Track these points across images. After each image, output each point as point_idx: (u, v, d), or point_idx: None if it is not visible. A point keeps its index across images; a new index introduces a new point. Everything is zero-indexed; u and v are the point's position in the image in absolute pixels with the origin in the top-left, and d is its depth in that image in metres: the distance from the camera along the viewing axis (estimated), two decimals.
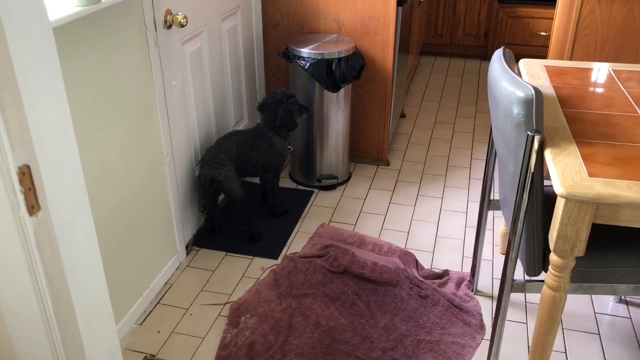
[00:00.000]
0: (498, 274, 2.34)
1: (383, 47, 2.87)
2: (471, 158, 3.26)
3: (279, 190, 2.73)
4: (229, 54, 2.65)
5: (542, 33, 4.47)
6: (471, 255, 2.45)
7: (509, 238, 1.63)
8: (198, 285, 2.27)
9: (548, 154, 1.48)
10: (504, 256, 2.45)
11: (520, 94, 1.45)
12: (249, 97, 2.96)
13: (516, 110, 1.48)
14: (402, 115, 3.77)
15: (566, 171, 1.39)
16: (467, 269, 2.37)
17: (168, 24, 2.07)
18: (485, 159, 3.19)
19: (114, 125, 1.83)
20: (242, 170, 2.48)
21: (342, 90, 2.74)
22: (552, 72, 2.00)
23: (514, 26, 4.53)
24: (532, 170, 1.51)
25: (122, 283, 1.98)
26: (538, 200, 1.57)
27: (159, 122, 2.09)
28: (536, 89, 1.44)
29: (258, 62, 3.01)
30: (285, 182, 2.99)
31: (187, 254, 2.43)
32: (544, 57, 4.44)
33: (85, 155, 1.70)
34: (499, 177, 1.96)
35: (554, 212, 1.44)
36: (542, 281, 1.67)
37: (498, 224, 2.65)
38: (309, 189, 2.94)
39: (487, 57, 4.77)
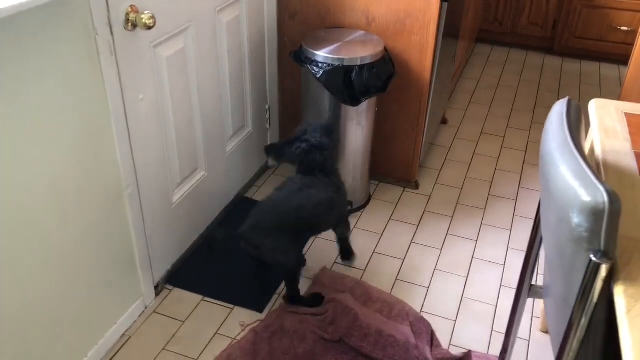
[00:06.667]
0: (535, 359, 1.85)
1: (420, 51, 2.33)
2: (519, 186, 2.71)
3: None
4: (228, 52, 2.18)
5: (623, 28, 3.77)
6: (502, 329, 1.96)
7: None
8: (161, 342, 1.87)
9: (619, 294, 0.97)
10: (544, 335, 1.95)
11: (586, 198, 0.94)
12: (256, 101, 2.49)
13: (577, 219, 0.97)
14: (443, 122, 3.22)
15: None
16: (496, 349, 1.89)
17: (131, 24, 1.61)
18: (534, 188, 2.55)
19: (44, 160, 1.41)
20: (313, 233, 2.23)
21: (364, 103, 2.24)
22: (636, 125, 1.44)
23: (589, 17, 3.84)
24: (595, 301, 1.02)
25: (59, 343, 1.60)
26: (597, 343, 1.08)
27: (116, 147, 1.67)
28: (611, 194, 0.93)
29: (270, 58, 2.52)
30: None
31: (157, 295, 2.04)
32: (623, 56, 3.76)
33: (7, 201, 1.30)
34: (545, 262, 1.45)
35: None
36: None
37: None
38: None
39: (553, 51, 4.11)
